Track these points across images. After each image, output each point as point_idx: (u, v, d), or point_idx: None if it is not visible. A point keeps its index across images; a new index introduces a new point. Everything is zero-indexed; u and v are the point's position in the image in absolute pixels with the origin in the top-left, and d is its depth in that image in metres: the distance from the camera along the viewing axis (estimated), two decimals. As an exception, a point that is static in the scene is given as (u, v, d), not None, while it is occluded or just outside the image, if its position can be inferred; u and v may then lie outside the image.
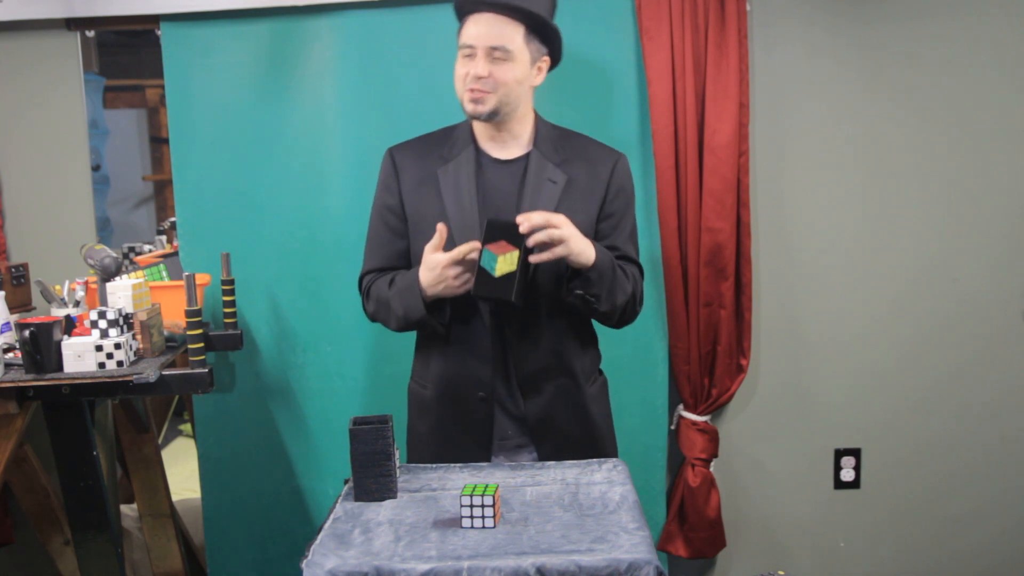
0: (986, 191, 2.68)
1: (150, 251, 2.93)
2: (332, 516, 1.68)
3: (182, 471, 3.12)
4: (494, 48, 1.89)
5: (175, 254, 2.75)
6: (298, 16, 2.56)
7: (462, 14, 1.96)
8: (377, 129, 2.55)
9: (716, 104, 2.52)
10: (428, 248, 1.86)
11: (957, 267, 2.71)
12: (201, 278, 2.52)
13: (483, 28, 1.90)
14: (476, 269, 1.83)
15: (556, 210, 1.92)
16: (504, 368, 2.00)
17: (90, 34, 2.71)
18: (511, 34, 1.90)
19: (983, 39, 2.62)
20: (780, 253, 2.71)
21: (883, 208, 2.69)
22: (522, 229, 1.80)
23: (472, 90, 1.91)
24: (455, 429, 2.02)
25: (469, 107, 1.93)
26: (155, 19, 2.60)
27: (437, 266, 1.84)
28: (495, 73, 1.90)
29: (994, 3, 2.60)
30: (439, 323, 1.95)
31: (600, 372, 2.14)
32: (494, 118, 1.95)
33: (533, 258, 1.82)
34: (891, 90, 2.64)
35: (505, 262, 1.81)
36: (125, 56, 2.91)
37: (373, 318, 2.05)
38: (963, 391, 2.76)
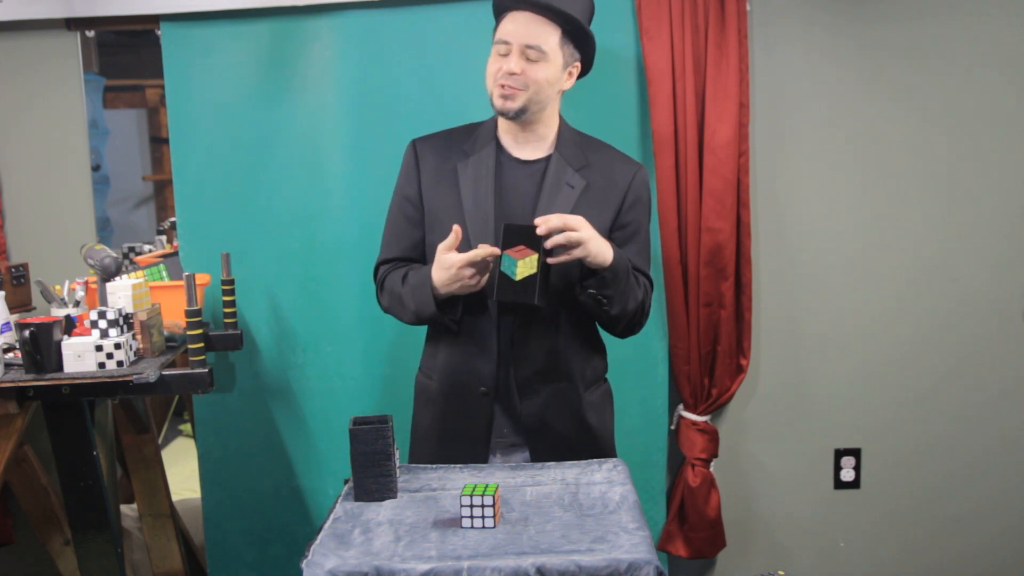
0: (986, 191, 2.68)
1: (150, 251, 2.93)
2: (332, 516, 1.68)
3: (182, 471, 3.12)
4: (529, 47, 1.90)
5: (175, 254, 2.75)
6: (298, 16, 2.56)
7: (500, 11, 1.97)
8: (377, 129, 2.55)
9: (716, 104, 2.52)
10: (442, 248, 1.86)
11: (957, 267, 2.71)
12: (201, 278, 2.52)
13: (520, 26, 1.91)
14: (495, 274, 1.84)
15: (572, 212, 1.93)
16: (506, 366, 2.00)
17: (90, 34, 2.71)
18: (547, 35, 1.91)
19: (983, 39, 2.62)
20: (780, 253, 2.71)
21: (883, 208, 2.69)
22: (540, 231, 1.80)
23: (503, 86, 1.92)
24: (457, 423, 2.02)
25: (498, 103, 1.94)
26: (155, 19, 2.60)
27: (452, 266, 1.84)
28: (527, 71, 1.91)
29: (994, 3, 2.60)
30: (451, 320, 1.95)
31: (604, 381, 2.13)
32: (521, 116, 1.95)
33: (552, 260, 1.83)
34: (891, 90, 2.64)
35: (525, 266, 1.82)
36: (125, 56, 2.91)
37: (387, 311, 2.05)
38: (963, 391, 2.76)
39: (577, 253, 1.82)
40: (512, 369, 1.99)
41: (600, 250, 1.84)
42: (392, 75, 2.56)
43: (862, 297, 2.73)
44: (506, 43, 1.92)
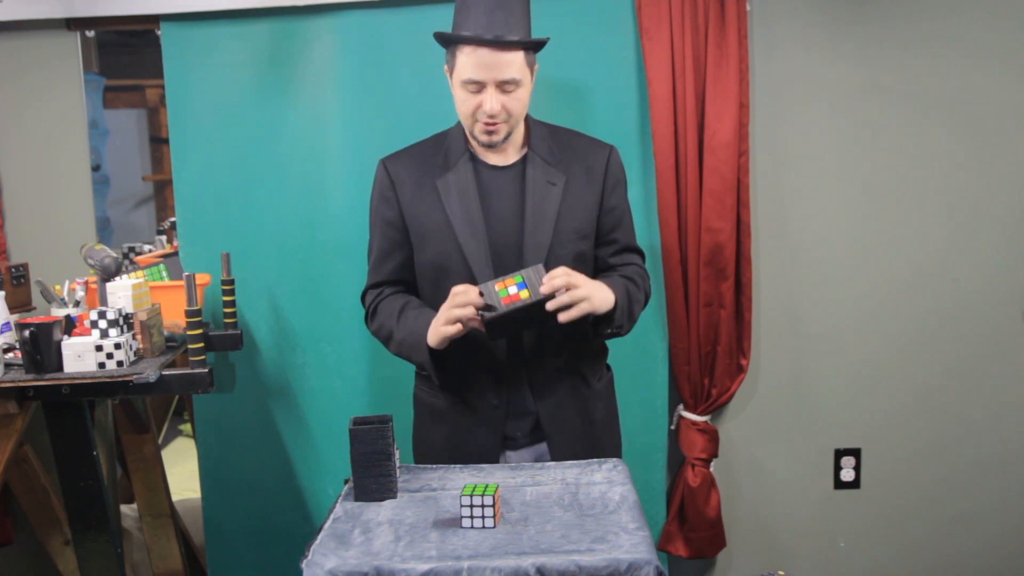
0: (986, 191, 2.68)
1: (150, 251, 2.93)
2: (332, 516, 1.68)
3: (182, 471, 3.12)
4: (504, 82, 1.88)
5: (175, 254, 2.75)
6: (298, 16, 2.56)
7: (451, 42, 1.93)
8: (377, 129, 2.55)
9: (716, 104, 2.52)
10: (451, 322, 1.82)
11: (957, 267, 2.71)
12: (201, 278, 2.52)
13: (487, 61, 1.86)
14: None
15: (559, 210, 1.95)
16: (516, 372, 2.00)
17: (90, 34, 2.71)
18: (516, 63, 1.88)
19: (983, 39, 2.62)
20: (780, 253, 2.71)
21: (883, 208, 2.69)
22: (544, 290, 1.79)
23: (486, 123, 1.91)
24: (469, 437, 2.02)
25: (483, 138, 1.93)
26: (155, 19, 2.60)
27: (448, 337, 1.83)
28: (508, 105, 1.90)
29: (994, 3, 2.60)
30: (435, 372, 1.93)
31: (608, 368, 2.17)
32: (505, 141, 1.96)
33: (562, 317, 1.81)
34: (891, 90, 2.64)
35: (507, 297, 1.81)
36: (125, 56, 2.91)
37: (375, 335, 2.05)
38: (963, 391, 2.76)
39: (584, 308, 1.82)
40: (525, 372, 2.00)
41: (604, 298, 1.86)
42: (392, 75, 2.56)
43: (862, 297, 2.73)
44: (478, 82, 1.88)
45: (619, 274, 2.03)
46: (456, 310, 1.80)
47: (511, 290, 1.80)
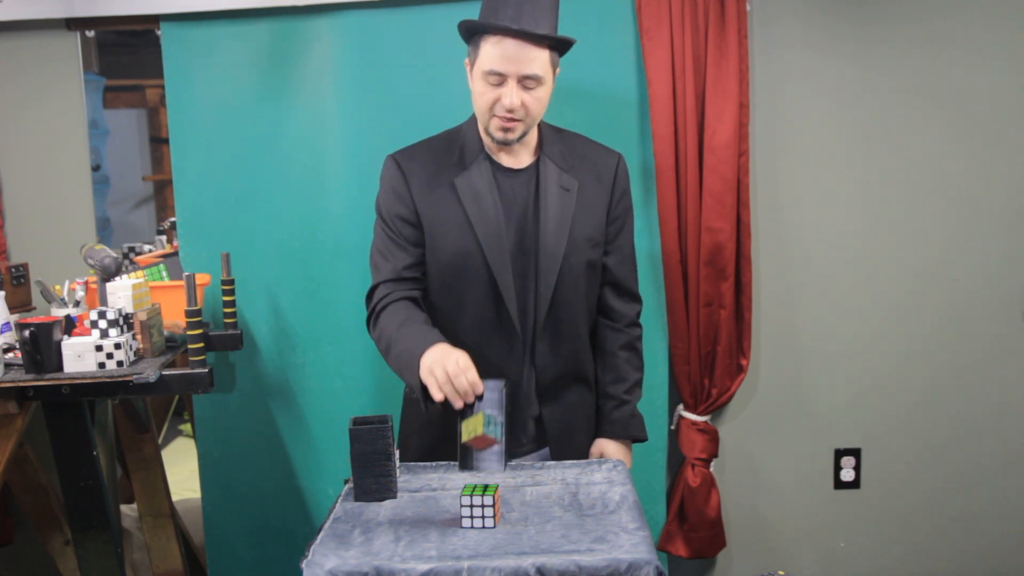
0: (986, 191, 2.68)
1: (150, 251, 2.93)
2: (332, 516, 1.68)
3: (182, 471, 3.13)
4: (527, 76, 1.85)
5: (175, 254, 2.76)
6: (298, 16, 2.56)
7: (477, 32, 1.89)
8: (377, 129, 2.55)
9: (716, 104, 2.52)
10: (464, 357, 1.71)
11: (957, 267, 2.71)
12: (201, 278, 2.52)
13: (511, 55, 1.83)
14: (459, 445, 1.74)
15: (573, 217, 1.94)
16: (528, 376, 1.99)
17: (90, 34, 2.71)
18: (540, 59, 1.85)
19: (983, 39, 2.61)
20: (780, 253, 2.71)
21: (883, 208, 2.69)
22: None
23: (503, 119, 1.87)
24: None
25: (499, 135, 1.90)
26: (155, 19, 2.60)
27: (458, 374, 1.69)
28: (527, 102, 1.86)
29: (994, 3, 2.60)
30: (424, 400, 1.78)
31: None
32: (520, 140, 1.93)
33: None
34: (891, 89, 2.64)
35: (471, 426, 1.71)
36: (125, 56, 2.91)
37: (376, 342, 1.96)
38: (963, 391, 2.76)
39: None
40: (535, 378, 1.99)
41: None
42: (392, 75, 2.56)
43: (862, 297, 2.73)
44: (500, 75, 1.85)
45: (622, 393, 2.10)
46: (448, 387, 1.70)
47: (483, 429, 1.70)
